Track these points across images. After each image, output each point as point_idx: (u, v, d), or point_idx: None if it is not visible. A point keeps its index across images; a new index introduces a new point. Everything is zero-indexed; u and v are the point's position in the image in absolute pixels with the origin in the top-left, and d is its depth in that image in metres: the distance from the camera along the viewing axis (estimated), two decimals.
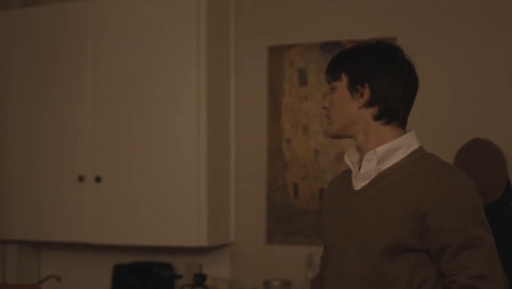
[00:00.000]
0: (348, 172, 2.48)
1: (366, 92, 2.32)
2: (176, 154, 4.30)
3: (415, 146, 2.36)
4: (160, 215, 4.32)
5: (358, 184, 2.38)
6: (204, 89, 4.26)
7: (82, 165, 4.53)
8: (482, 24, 4.06)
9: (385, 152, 2.32)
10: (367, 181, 2.36)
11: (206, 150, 4.24)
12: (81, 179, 4.51)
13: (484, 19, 4.06)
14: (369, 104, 2.33)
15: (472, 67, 4.07)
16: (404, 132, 2.37)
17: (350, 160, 2.43)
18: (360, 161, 2.40)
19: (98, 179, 4.47)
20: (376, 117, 2.34)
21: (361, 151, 2.40)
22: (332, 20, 4.37)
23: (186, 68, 4.28)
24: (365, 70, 2.33)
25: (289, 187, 4.40)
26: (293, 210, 4.38)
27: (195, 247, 4.35)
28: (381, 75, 2.32)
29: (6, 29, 4.76)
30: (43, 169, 4.66)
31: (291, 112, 4.43)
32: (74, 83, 4.57)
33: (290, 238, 4.38)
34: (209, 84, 4.28)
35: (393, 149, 2.33)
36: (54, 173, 4.61)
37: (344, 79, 2.36)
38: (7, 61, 4.77)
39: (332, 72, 2.40)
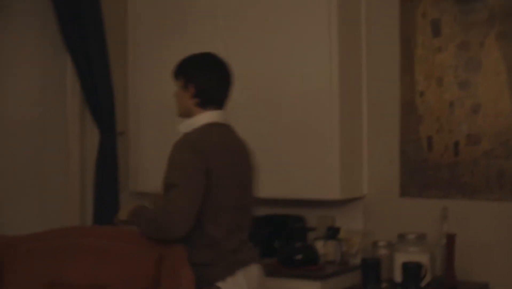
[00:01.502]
0: None
1: (191, 89, 3.44)
2: (309, 108, 4.31)
3: (205, 121, 3.44)
4: (293, 168, 4.36)
5: None
6: (336, 43, 4.24)
7: None
8: None
9: (183, 128, 3.50)
10: None
11: (339, 102, 4.24)
12: None
13: None
14: (194, 96, 3.44)
15: None
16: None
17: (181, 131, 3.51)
18: None
19: None
20: (198, 105, 3.45)
21: None
22: None
23: (317, 23, 4.27)
24: (192, 74, 3.46)
25: (423, 140, 4.35)
26: (427, 163, 4.33)
27: (328, 200, 4.38)
28: (202, 77, 3.45)
29: None
30: (173, 124, 4.77)
31: (424, 64, 4.36)
32: (205, 44, 4.65)
33: (424, 191, 4.34)
34: (340, 38, 4.26)
35: (190, 124, 3.47)
36: None
37: (181, 80, 3.50)
38: (137, 19, 4.91)
39: (175, 75, 3.54)
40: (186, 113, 3.53)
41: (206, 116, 3.46)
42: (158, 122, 4.84)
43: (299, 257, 4.17)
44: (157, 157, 4.82)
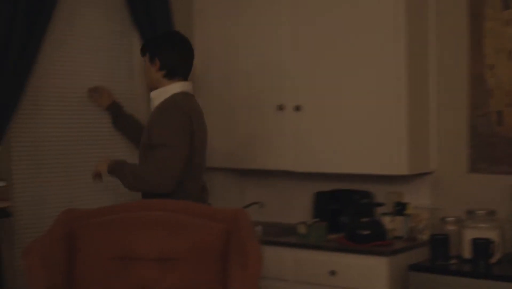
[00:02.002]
0: None
1: (157, 63, 3.93)
2: (376, 81, 4.28)
3: (177, 90, 3.90)
4: (360, 143, 4.34)
5: None
6: (403, 15, 4.19)
7: (282, 94, 4.62)
8: None
9: (156, 94, 3.95)
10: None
11: (406, 77, 4.19)
12: (281, 108, 4.60)
13: None
14: (160, 69, 3.94)
15: None
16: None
17: (152, 100, 3.98)
18: None
19: (297, 108, 4.54)
20: (165, 76, 3.94)
21: None
22: None
23: None
24: (156, 50, 3.95)
25: (493, 114, 4.27)
26: (496, 138, 4.26)
27: (396, 176, 4.35)
28: (165, 52, 3.93)
29: None
30: (244, 99, 4.79)
31: (494, 37, 4.27)
32: (273, 17, 4.65)
33: (494, 167, 4.28)
34: (408, 11, 4.21)
35: (162, 91, 3.93)
36: (255, 103, 4.74)
37: (147, 55, 3.99)
38: None
39: (141, 52, 4.05)
40: (154, 85, 3.99)
41: (178, 86, 3.93)
42: (224, 97, 4.87)
43: (366, 232, 4.16)
44: (223, 130, 4.87)
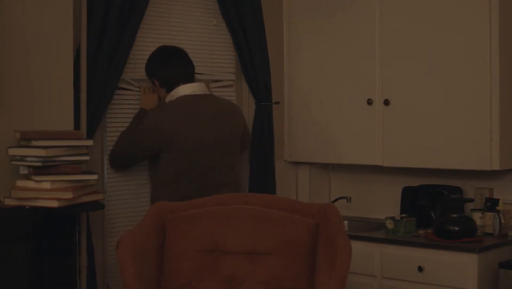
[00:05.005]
0: None
1: (156, 82, 4.09)
2: (466, 75, 4.22)
3: (174, 98, 4.02)
4: (449, 137, 4.29)
5: None
6: (496, 8, 4.12)
7: (371, 88, 4.59)
8: None
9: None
10: None
11: (499, 71, 4.12)
12: (370, 102, 4.58)
13: None
14: (161, 86, 4.09)
15: None
16: None
17: None
18: None
19: (386, 102, 4.51)
20: (167, 92, 4.06)
21: None
22: None
23: None
24: (150, 71, 4.12)
25: None
26: None
27: (486, 171, 4.27)
28: (157, 69, 4.08)
29: None
30: (333, 93, 4.79)
31: None
32: (363, 12, 4.63)
33: None
34: (501, 3, 4.14)
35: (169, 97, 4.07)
36: (344, 97, 4.73)
37: (150, 79, 4.12)
38: None
39: (147, 77, 4.15)
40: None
41: (172, 95, 4.03)
42: (313, 91, 4.88)
43: (455, 228, 4.11)
44: (310, 127, 4.88)
